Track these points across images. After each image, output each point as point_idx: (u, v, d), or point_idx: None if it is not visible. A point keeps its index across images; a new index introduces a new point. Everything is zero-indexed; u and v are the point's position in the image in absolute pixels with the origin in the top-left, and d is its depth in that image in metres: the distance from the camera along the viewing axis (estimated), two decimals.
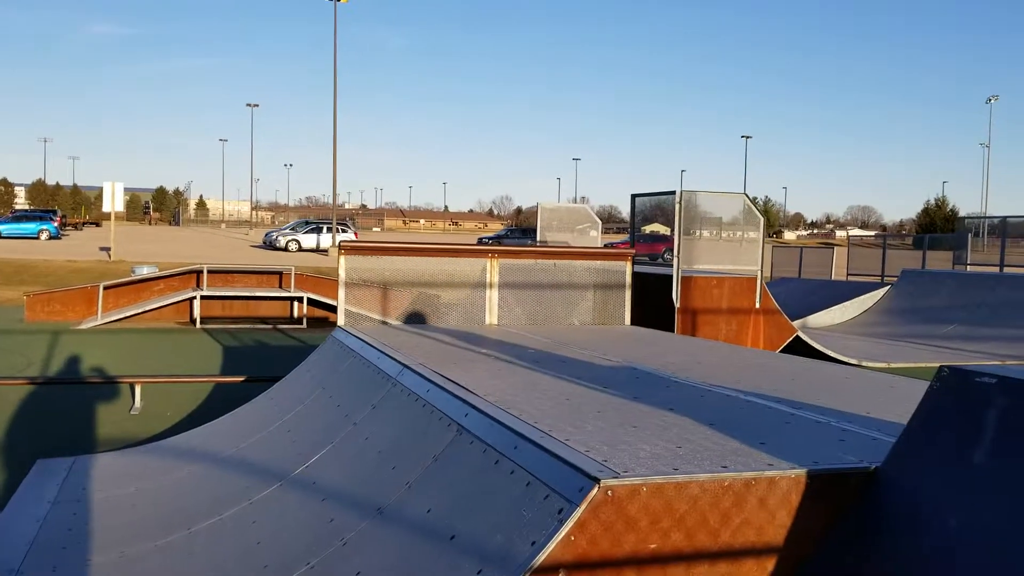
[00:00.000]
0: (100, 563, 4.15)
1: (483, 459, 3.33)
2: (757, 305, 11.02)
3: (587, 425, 3.48)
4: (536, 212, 15.37)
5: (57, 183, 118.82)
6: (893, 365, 11.68)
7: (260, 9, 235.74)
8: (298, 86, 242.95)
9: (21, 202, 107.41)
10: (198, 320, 15.49)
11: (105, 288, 15.66)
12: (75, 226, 67.96)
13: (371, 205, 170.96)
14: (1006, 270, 18.77)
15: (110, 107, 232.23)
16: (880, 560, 2.65)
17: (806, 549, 2.81)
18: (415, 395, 4.50)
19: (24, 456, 6.20)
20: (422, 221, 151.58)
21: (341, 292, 7.54)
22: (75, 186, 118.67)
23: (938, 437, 2.70)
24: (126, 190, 34.40)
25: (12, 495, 5.26)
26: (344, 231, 46.41)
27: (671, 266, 10.64)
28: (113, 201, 30.83)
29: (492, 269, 7.89)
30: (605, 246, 13.62)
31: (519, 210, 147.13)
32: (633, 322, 8.41)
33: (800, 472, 2.82)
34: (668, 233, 11.00)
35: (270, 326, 15.79)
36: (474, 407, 3.82)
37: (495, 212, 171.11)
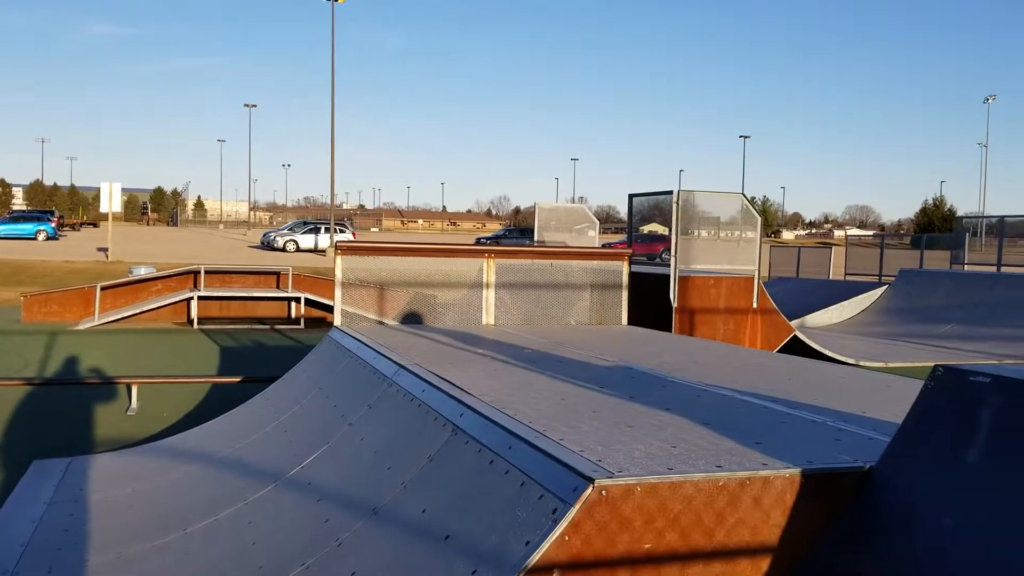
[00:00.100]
0: (96, 564, 4.14)
1: (478, 459, 3.33)
2: (755, 305, 11.02)
3: (582, 425, 3.47)
4: (534, 212, 15.37)
5: (55, 183, 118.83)
6: (890, 365, 11.69)
7: (258, 10, 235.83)
8: (296, 86, 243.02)
9: (19, 203, 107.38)
10: (195, 320, 15.48)
11: (102, 289, 15.65)
12: (73, 227, 67.86)
13: (369, 205, 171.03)
14: (1004, 270, 18.78)
15: (108, 107, 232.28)
16: (875, 559, 2.65)
17: (801, 549, 2.81)
18: (411, 395, 4.50)
19: (21, 457, 6.19)
20: (420, 221, 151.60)
21: (337, 292, 7.54)
22: (73, 187, 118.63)
23: (933, 436, 2.70)
24: (124, 191, 34.40)
25: (8, 496, 5.25)
26: (342, 231, 46.39)
27: (668, 266, 10.64)
28: (111, 202, 30.79)
29: (488, 269, 7.89)
30: (603, 246, 13.61)
31: (517, 210, 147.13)
32: (631, 322, 8.41)
33: (795, 472, 2.82)
34: (666, 233, 10.99)
35: (267, 326, 15.78)
36: (469, 407, 3.81)
37: (493, 212, 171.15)
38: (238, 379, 8.31)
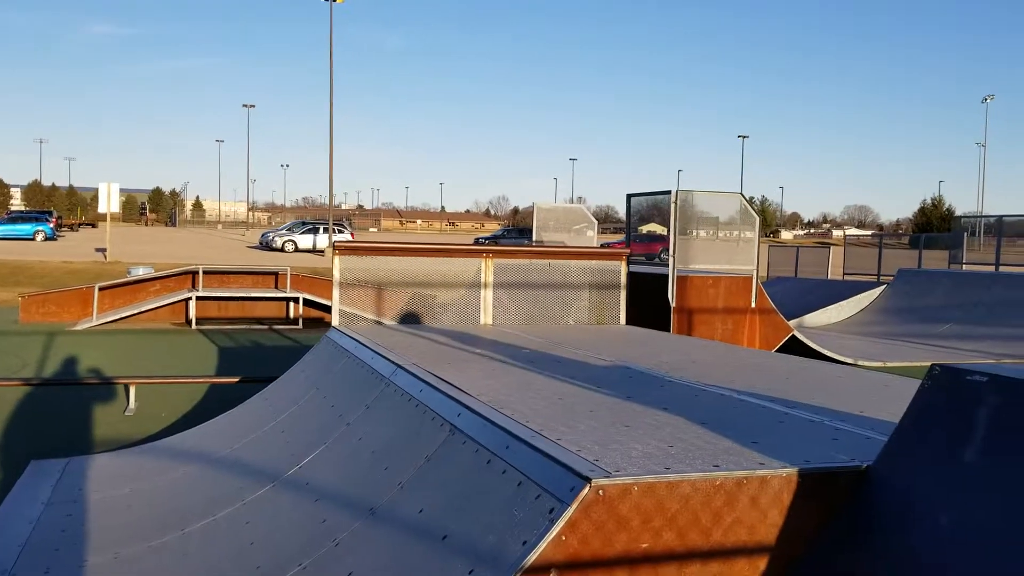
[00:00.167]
0: (94, 564, 4.14)
1: (475, 459, 3.33)
2: (753, 305, 11.02)
3: (579, 425, 3.47)
4: (533, 212, 15.37)
5: (53, 184, 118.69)
6: (889, 364, 11.69)
7: (256, 10, 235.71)
8: (295, 87, 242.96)
9: (17, 203, 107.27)
10: (194, 321, 15.47)
11: (100, 289, 15.63)
12: (71, 227, 67.80)
13: (368, 205, 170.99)
14: (1002, 269, 18.78)
15: (106, 108, 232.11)
16: (872, 558, 2.65)
17: (798, 548, 2.80)
18: (408, 395, 4.49)
19: (18, 457, 6.18)
20: (419, 221, 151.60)
21: (335, 292, 7.54)
22: (71, 187, 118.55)
23: (930, 435, 2.70)
24: (122, 191, 34.41)
25: (5, 496, 5.24)
26: (340, 232, 46.37)
27: (667, 266, 10.64)
28: (109, 202, 30.80)
29: (487, 269, 7.89)
30: (602, 246, 13.61)
31: (516, 210, 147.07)
32: (629, 322, 8.41)
33: (792, 471, 2.82)
34: (665, 233, 10.99)
35: (266, 327, 15.77)
36: (467, 407, 3.81)
37: (492, 212, 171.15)
38: (236, 379, 8.30)
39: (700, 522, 2.70)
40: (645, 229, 14.10)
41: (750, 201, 11.62)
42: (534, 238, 14.69)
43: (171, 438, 6.50)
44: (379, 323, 7.60)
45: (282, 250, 46.01)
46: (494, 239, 58.90)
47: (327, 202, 47.47)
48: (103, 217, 40.05)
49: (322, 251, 43.51)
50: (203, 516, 4.42)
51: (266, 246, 47.99)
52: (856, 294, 18.81)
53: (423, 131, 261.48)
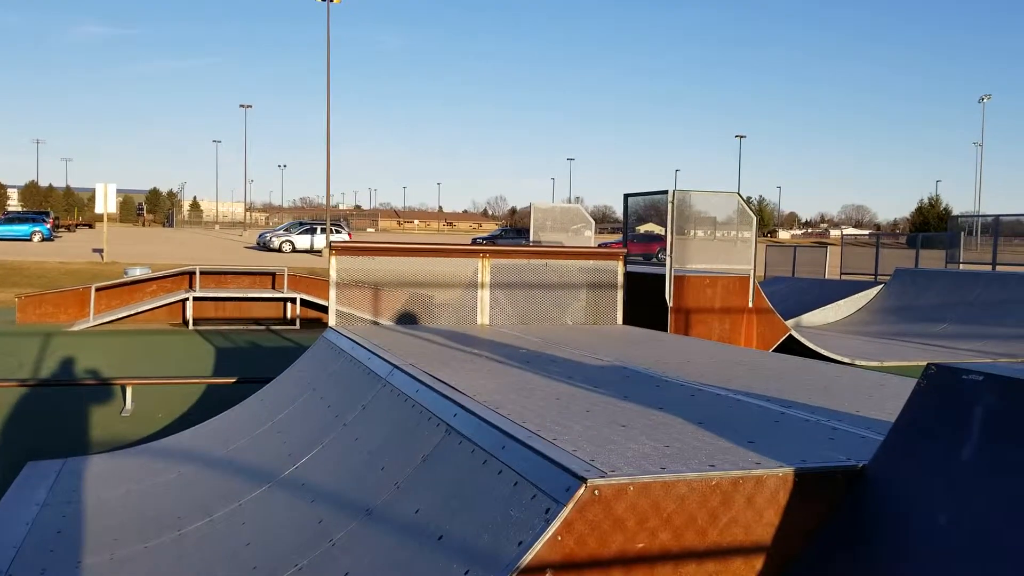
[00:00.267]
0: (89, 565, 4.13)
1: (471, 459, 3.33)
2: (750, 304, 11.02)
3: (576, 425, 3.47)
4: (530, 212, 15.36)
5: (50, 185, 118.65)
6: (885, 363, 11.70)
7: (254, 10, 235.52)
8: (292, 87, 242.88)
9: (14, 204, 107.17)
10: (191, 321, 15.45)
11: (97, 290, 15.60)
12: (68, 228, 67.81)
13: (365, 206, 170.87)
14: (998, 268, 18.81)
15: (104, 108, 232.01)
16: (868, 557, 2.65)
17: (794, 547, 2.80)
18: (405, 395, 4.49)
19: (15, 458, 6.17)
20: (416, 222, 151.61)
21: (332, 293, 7.53)
22: (68, 188, 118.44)
23: (926, 435, 2.70)
24: (119, 192, 34.36)
25: (1, 497, 5.23)
26: (338, 232, 46.34)
27: (664, 265, 10.64)
28: (106, 203, 30.78)
29: (484, 269, 7.88)
30: (599, 246, 13.60)
31: (513, 210, 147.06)
32: (627, 322, 8.41)
33: (788, 470, 2.82)
34: (662, 233, 10.99)
35: (263, 327, 15.75)
36: (463, 407, 3.81)
37: (489, 212, 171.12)
38: (233, 380, 8.29)
39: (696, 522, 2.70)
40: (642, 229, 14.11)
41: (747, 201, 11.63)
42: (531, 238, 14.70)
43: (168, 439, 6.49)
44: (376, 323, 7.60)
45: (279, 250, 45.99)
46: (491, 239, 58.91)
47: (324, 202, 47.44)
48: (100, 218, 39.98)
49: (319, 251, 43.49)
50: (199, 517, 4.41)
51: (263, 246, 47.97)
52: (853, 294, 18.83)
53: (421, 131, 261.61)
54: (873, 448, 2.94)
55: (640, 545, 2.64)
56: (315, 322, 15.92)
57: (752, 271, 11.14)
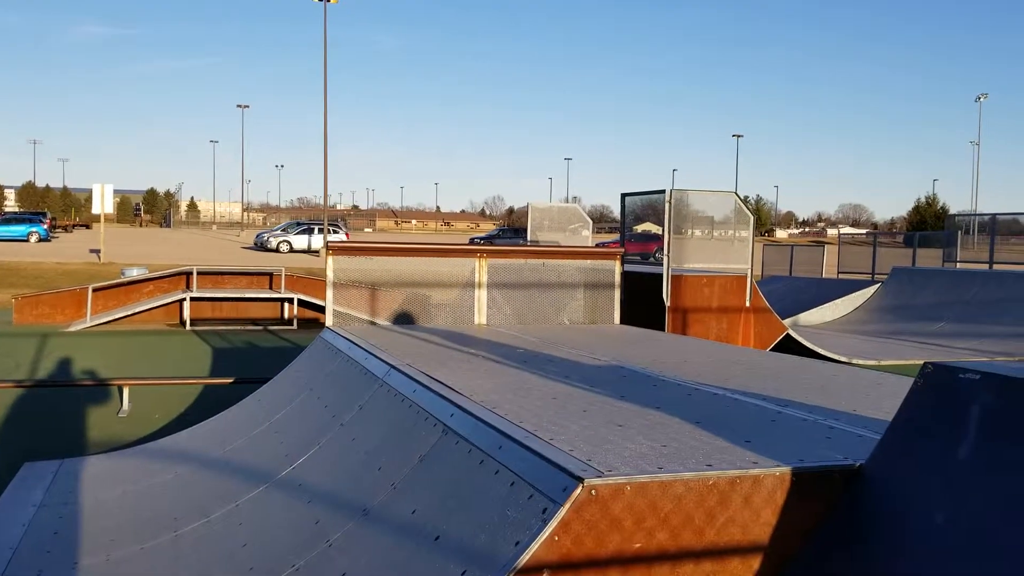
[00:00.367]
0: (86, 566, 4.12)
1: (468, 459, 3.32)
2: (747, 303, 11.02)
3: (572, 425, 3.46)
4: (528, 212, 15.36)
5: (47, 185, 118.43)
6: (883, 362, 11.71)
7: (251, 10, 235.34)
8: (289, 87, 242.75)
9: (11, 204, 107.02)
10: (188, 322, 15.43)
11: (94, 290, 15.59)
12: (65, 228, 67.70)
13: (363, 206, 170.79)
14: (995, 267, 18.84)
15: (100, 109, 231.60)
16: (865, 556, 2.65)
17: (792, 547, 2.80)
18: (402, 395, 4.48)
19: (12, 459, 6.15)
20: (414, 222, 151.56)
21: (329, 293, 7.52)
22: (65, 188, 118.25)
23: (923, 434, 2.70)
24: (116, 192, 34.31)
25: None
26: (335, 232, 46.31)
27: (662, 265, 10.64)
28: (103, 203, 30.72)
29: (481, 269, 7.87)
30: (596, 245, 13.61)
31: (511, 210, 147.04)
32: (624, 321, 8.40)
33: (785, 470, 2.82)
34: (660, 232, 10.99)
35: (260, 327, 15.74)
36: (460, 407, 3.80)
37: (487, 212, 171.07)
38: (230, 380, 8.28)
39: (693, 522, 2.70)
40: (640, 228, 14.12)
41: (745, 200, 11.64)
42: (529, 238, 14.70)
43: (165, 439, 6.48)
44: (373, 323, 7.59)
45: (277, 251, 45.95)
46: (489, 239, 58.87)
47: (322, 202, 47.42)
48: (97, 218, 39.92)
49: (317, 252, 43.46)
50: (196, 517, 4.40)
51: (261, 247, 47.93)
52: (850, 293, 18.85)
53: (418, 131, 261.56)
54: (870, 447, 2.94)
55: (637, 545, 2.64)
56: (312, 322, 15.91)
57: (749, 270, 11.14)
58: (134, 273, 17.23)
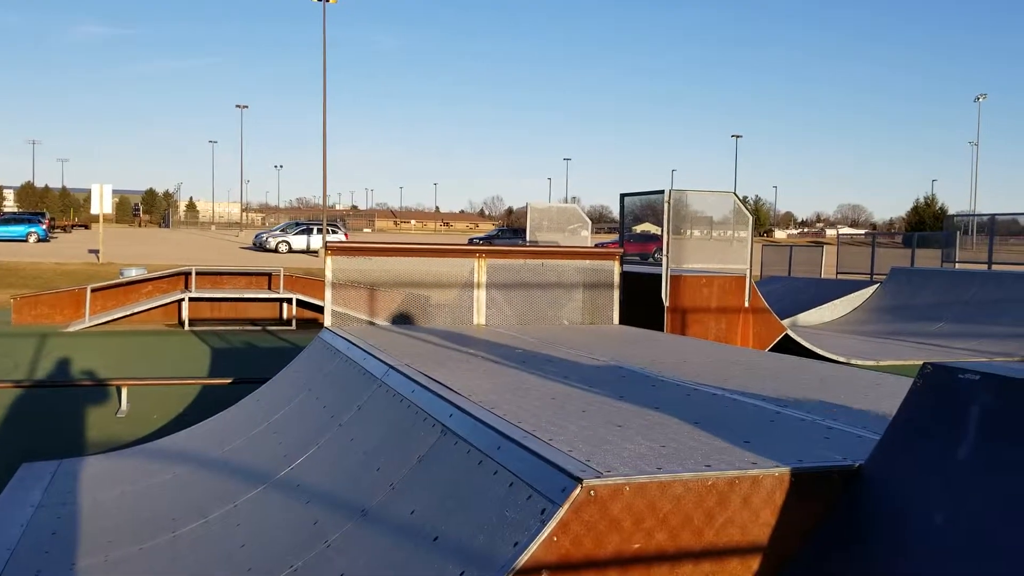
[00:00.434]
0: (84, 567, 4.12)
1: (467, 460, 3.32)
2: (746, 304, 11.02)
3: (571, 425, 3.46)
4: (527, 212, 15.36)
5: (46, 185, 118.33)
6: (881, 363, 11.72)
7: (249, 10, 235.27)
8: (288, 87, 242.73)
9: (10, 205, 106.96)
10: (186, 322, 15.42)
11: (93, 290, 15.58)
12: (64, 228, 67.65)
13: (362, 206, 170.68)
14: (994, 267, 18.85)
15: (99, 109, 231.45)
16: (865, 557, 2.64)
17: (791, 547, 2.80)
18: (400, 396, 4.48)
19: (10, 459, 6.15)
20: (413, 222, 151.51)
21: (328, 293, 7.51)
22: (64, 188, 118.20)
23: (922, 434, 2.69)
24: (115, 192, 34.28)
25: None
26: (334, 232, 46.29)
27: (661, 265, 10.64)
28: (101, 203, 30.71)
29: (480, 269, 7.87)
30: (596, 246, 13.60)
31: (510, 210, 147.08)
32: (623, 321, 8.40)
33: (784, 470, 2.81)
34: (659, 232, 10.99)
35: (259, 328, 15.73)
36: (458, 407, 3.80)
37: (486, 213, 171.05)
38: (229, 380, 8.28)
39: (692, 522, 2.69)
40: (639, 229, 14.12)
41: (743, 200, 11.64)
42: (528, 238, 14.69)
43: (163, 440, 6.47)
44: (372, 323, 7.58)
45: (276, 251, 45.95)
46: (488, 239, 58.88)
47: (321, 203, 47.42)
48: (96, 218, 39.91)
49: (316, 252, 43.44)
50: (195, 518, 4.40)
51: (260, 247, 47.91)
52: (849, 293, 18.86)
53: (417, 131, 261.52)
54: (869, 447, 2.94)
55: (636, 545, 2.64)
56: (311, 322, 15.91)
57: (748, 271, 11.15)
58: (133, 273, 17.23)
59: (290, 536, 3.71)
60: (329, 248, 7.72)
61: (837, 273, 24.22)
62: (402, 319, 7.76)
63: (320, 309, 15.46)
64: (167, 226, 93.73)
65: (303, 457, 4.58)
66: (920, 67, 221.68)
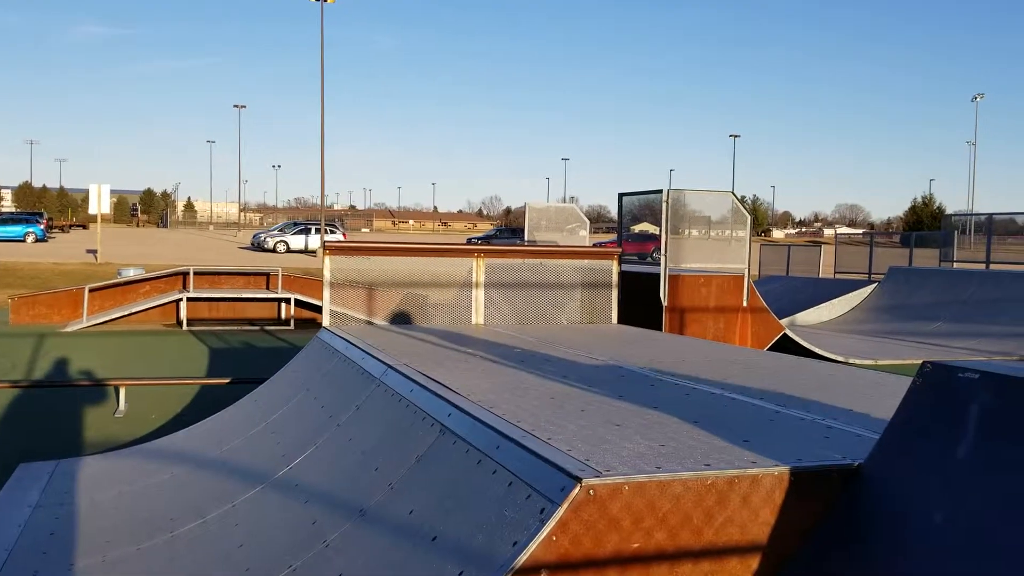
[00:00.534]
0: (82, 568, 4.11)
1: (466, 459, 3.31)
2: (745, 303, 11.03)
3: (570, 424, 3.45)
4: (525, 212, 15.36)
5: (44, 186, 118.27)
6: (880, 362, 11.72)
7: (248, 10, 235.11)
8: (286, 87, 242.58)
9: (7, 205, 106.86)
10: (184, 322, 15.41)
11: (91, 290, 15.56)
12: (62, 229, 67.60)
13: (360, 206, 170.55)
14: (992, 267, 18.87)
15: (97, 109, 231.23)
16: (864, 556, 2.64)
17: (790, 546, 2.79)
18: (399, 395, 4.47)
19: (7, 459, 6.13)
20: (411, 222, 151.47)
21: (326, 293, 7.50)
22: (62, 188, 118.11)
23: (922, 433, 2.69)
24: (113, 192, 34.24)
25: None
26: (333, 232, 46.28)
27: (659, 265, 10.64)
28: (99, 203, 30.67)
29: (478, 269, 7.86)
30: (594, 245, 13.61)
31: (508, 210, 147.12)
32: (622, 321, 8.40)
33: (783, 469, 2.81)
34: (657, 232, 11.00)
35: (257, 328, 15.71)
36: (457, 407, 3.79)
37: (484, 212, 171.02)
38: (227, 380, 8.27)
39: (691, 521, 2.69)
40: (637, 228, 14.12)
41: (741, 200, 11.64)
42: (526, 238, 14.68)
43: (161, 440, 6.46)
44: (370, 323, 7.57)
45: (274, 251, 45.92)
46: (486, 239, 58.89)
47: (319, 203, 47.39)
48: (94, 218, 39.89)
49: (314, 252, 43.42)
50: (192, 518, 4.39)
51: (258, 247, 47.89)
52: (847, 292, 18.88)
53: (415, 131, 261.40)
54: (868, 446, 2.93)
55: (636, 545, 2.63)
56: (309, 322, 15.89)
57: (746, 270, 11.15)
58: (131, 273, 17.20)
59: (288, 536, 3.70)
60: (328, 248, 7.71)
61: (835, 273, 24.24)
62: (400, 319, 7.75)
63: (318, 309, 15.44)
64: (165, 226, 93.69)
65: (301, 457, 4.57)
66: (918, 67, 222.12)
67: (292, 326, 15.88)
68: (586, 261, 8.39)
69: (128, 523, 4.63)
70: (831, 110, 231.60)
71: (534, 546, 2.53)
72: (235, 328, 15.55)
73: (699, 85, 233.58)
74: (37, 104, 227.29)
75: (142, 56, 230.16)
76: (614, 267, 8.40)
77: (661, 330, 10.06)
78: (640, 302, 10.18)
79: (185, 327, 15.24)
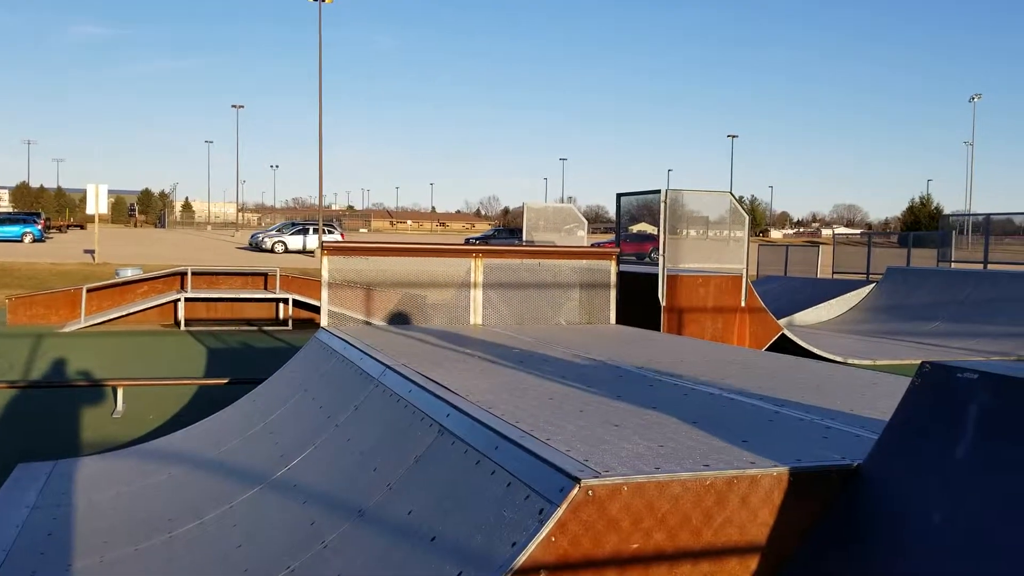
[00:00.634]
0: (80, 568, 4.10)
1: (464, 460, 3.31)
2: (743, 303, 11.03)
3: (569, 425, 3.45)
4: (523, 212, 15.36)
5: (41, 186, 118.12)
6: (878, 362, 11.73)
7: (246, 10, 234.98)
8: (284, 87, 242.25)
9: (5, 205, 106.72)
10: (182, 322, 15.39)
11: (88, 291, 15.54)
12: (59, 229, 67.49)
13: (358, 206, 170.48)
14: (990, 267, 18.88)
15: (95, 109, 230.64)
16: (863, 556, 2.64)
17: (789, 547, 2.79)
18: (397, 396, 4.47)
19: (5, 460, 6.12)
20: (409, 222, 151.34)
21: (324, 293, 7.50)
22: (59, 188, 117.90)
23: (920, 433, 2.69)
24: (111, 192, 34.24)
25: None
26: (331, 232, 46.25)
27: (657, 265, 10.64)
28: (97, 203, 30.63)
29: (476, 269, 7.86)
30: (592, 246, 13.61)
31: (506, 210, 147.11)
32: (620, 321, 8.40)
33: (782, 470, 2.81)
34: (655, 232, 11.00)
35: (255, 328, 15.70)
36: (456, 407, 3.79)
37: (482, 212, 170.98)
38: (225, 381, 8.26)
39: (690, 522, 2.69)
40: (635, 228, 14.11)
41: (739, 200, 11.65)
42: (524, 238, 14.69)
43: (159, 440, 6.45)
44: (368, 323, 7.57)
45: (272, 251, 45.88)
46: (484, 239, 58.87)
47: (317, 203, 47.37)
48: (91, 218, 39.86)
49: (312, 252, 43.39)
50: (190, 519, 4.38)
51: (256, 247, 47.85)
52: (845, 292, 18.89)
53: (413, 132, 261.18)
54: (867, 447, 2.93)
55: (635, 545, 2.63)
56: (307, 323, 15.88)
57: (744, 270, 11.15)
58: (128, 273, 17.19)
59: (287, 537, 3.70)
60: (326, 248, 7.71)
61: (833, 273, 24.24)
62: (398, 319, 7.75)
63: (316, 309, 15.43)
64: (163, 226, 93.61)
65: (299, 457, 4.57)
66: (916, 67, 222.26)
67: (290, 326, 15.87)
68: (584, 261, 8.39)
69: (126, 524, 4.62)
70: (829, 110, 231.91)
71: (533, 547, 2.53)
72: (233, 328, 15.54)
73: (698, 85, 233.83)
74: (35, 104, 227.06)
75: (140, 56, 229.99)
76: (612, 267, 8.40)
77: (659, 330, 10.06)
78: (638, 302, 10.18)
79: (183, 327, 15.23)
